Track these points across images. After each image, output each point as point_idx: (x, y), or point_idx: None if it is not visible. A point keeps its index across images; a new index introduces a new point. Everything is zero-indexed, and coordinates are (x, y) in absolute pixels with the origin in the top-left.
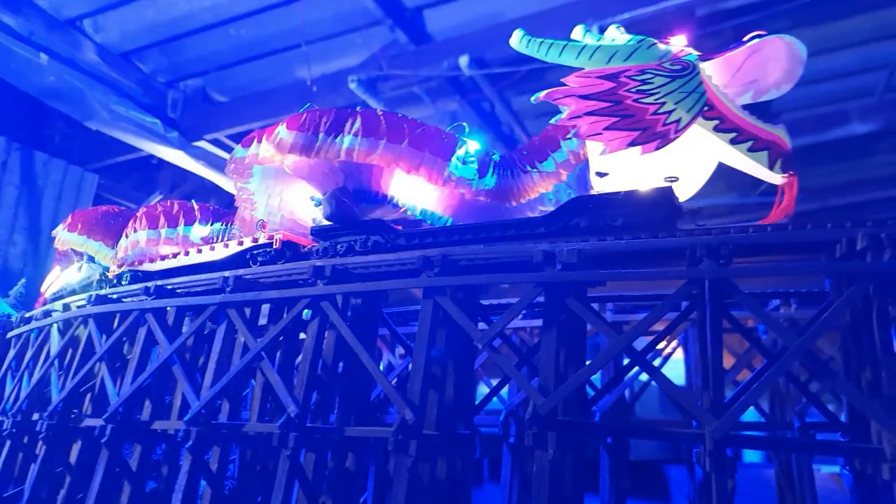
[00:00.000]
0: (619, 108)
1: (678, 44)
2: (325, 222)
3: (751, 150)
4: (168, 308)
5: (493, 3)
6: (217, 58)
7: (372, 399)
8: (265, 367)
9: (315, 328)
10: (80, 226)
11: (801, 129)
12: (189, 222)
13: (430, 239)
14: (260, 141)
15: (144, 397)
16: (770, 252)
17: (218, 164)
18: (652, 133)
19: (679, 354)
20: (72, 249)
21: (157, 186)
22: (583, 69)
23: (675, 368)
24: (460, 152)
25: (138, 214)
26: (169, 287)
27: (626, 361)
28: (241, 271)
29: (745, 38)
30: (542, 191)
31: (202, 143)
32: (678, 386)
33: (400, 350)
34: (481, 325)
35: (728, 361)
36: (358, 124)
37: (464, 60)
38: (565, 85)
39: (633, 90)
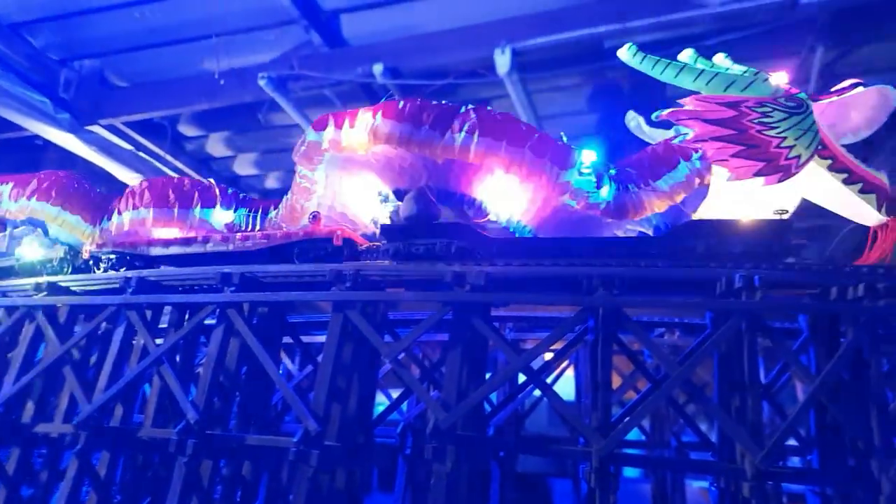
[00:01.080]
0: (744, 138)
1: (782, 80)
2: (385, 221)
3: (861, 191)
4: (59, 306)
5: (411, 15)
6: (118, 40)
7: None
8: (164, 371)
9: (220, 335)
10: (53, 194)
11: None
12: (208, 204)
13: (523, 249)
14: (339, 126)
15: (26, 399)
16: (659, 286)
17: (112, 151)
18: (776, 166)
19: (570, 371)
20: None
21: (41, 168)
22: (699, 93)
23: (565, 384)
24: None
25: (137, 189)
26: (63, 284)
27: (522, 379)
28: (145, 272)
29: (847, 85)
30: (656, 210)
31: (96, 128)
32: (569, 404)
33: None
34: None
35: (615, 381)
36: (473, 121)
37: (378, 68)
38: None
39: (755, 121)
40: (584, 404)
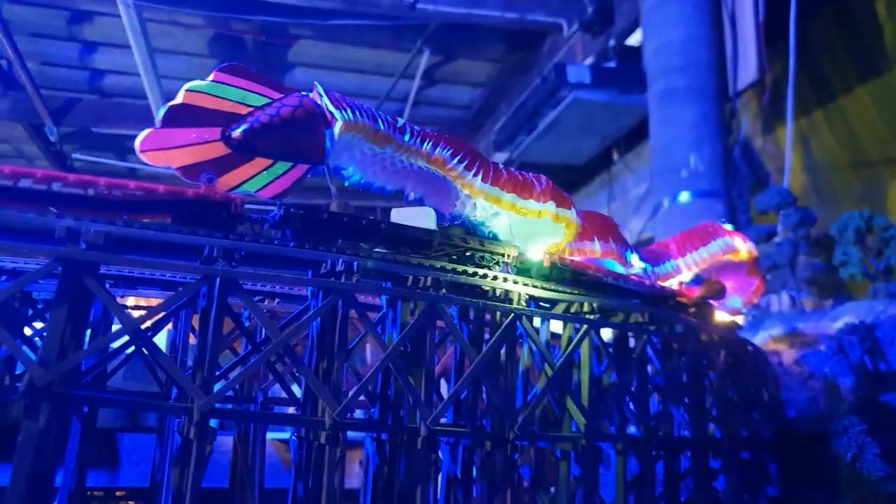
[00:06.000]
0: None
1: None
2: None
3: None
4: None
5: None
6: None
7: None
8: None
9: None
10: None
11: None
12: (631, 248)
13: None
14: (733, 236)
15: None
16: (273, 261)
17: None
18: None
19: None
20: None
21: None
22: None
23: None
24: None
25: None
26: None
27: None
28: None
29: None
30: None
31: None
32: (169, 360)
33: None
34: None
35: None
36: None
37: None
38: None
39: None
40: (181, 361)
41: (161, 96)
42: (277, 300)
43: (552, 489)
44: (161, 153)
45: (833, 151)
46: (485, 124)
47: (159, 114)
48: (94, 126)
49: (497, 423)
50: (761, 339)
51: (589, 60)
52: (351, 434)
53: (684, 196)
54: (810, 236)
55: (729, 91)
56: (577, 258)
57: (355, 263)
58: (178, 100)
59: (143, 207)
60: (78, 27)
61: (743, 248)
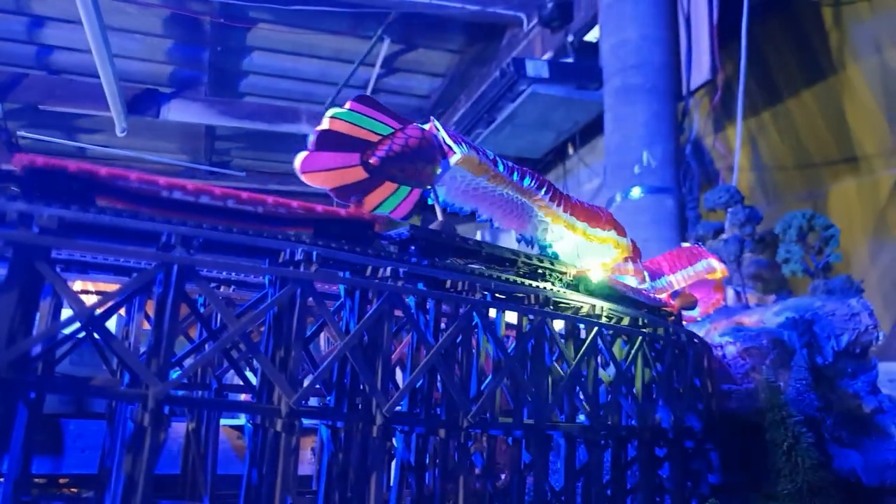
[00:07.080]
0: None
1: None
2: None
3: None
4: None
5: None
6: None
7: None
8: None
9: None
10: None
11: (260, 114)
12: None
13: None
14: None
15: None
16: (231, 249)
17: None
18: None
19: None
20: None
21: None
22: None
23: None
24: None
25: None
26: None
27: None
28: None
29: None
30: None
31: None
32: (124, 346)
33: None
34: None
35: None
36: None
37: None
38: None
39: None
40: (131, 345)
41: (113, 75)
42: (233, 287)
43: (503, 476)
44: (318, 175)
45: (779, 152)
46: (443, 115)
47: (310, 137)
48: (42, 103)
49: (451, 411)
50: (707, 332)
51: (548, 55)
52: (304, 421)
53: (636, 192)
54: (756, 234)
55: (682, 90)
56: (614, 276)
57: (314, 253)
58: (325, 125)
59: (297, 223)
60: (25, 0)
61: (718, 268)
